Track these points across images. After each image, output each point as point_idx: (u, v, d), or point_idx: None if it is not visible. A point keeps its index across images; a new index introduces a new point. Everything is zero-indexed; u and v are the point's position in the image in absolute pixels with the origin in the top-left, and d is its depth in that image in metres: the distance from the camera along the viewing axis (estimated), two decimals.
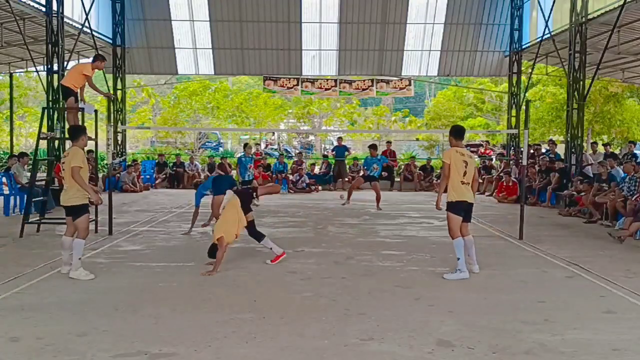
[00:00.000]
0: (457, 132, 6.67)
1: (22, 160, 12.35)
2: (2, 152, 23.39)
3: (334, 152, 19.70)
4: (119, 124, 18.81)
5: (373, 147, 14.02)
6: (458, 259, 6.31)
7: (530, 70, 19.45)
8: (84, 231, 6.21)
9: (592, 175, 13.15)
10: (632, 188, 10.18)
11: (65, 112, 9.82)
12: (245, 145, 15.56)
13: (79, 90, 9.20)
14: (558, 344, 4.25)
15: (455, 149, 6.53)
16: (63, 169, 6.32)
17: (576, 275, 6.57)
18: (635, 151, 15.61)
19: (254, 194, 9.57)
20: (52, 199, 10.29)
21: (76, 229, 6.22)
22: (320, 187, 17.92)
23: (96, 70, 9.21)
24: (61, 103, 14.25)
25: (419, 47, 20.75)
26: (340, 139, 20.46)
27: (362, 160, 16.92)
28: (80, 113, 9.30)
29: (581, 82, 14.32)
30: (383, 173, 18.50)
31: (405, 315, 4.93)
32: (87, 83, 9.03)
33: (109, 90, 18.43)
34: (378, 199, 13.11)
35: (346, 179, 18.40)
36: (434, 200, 14.78)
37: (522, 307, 5.22)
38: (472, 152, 28.17)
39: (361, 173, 14.92)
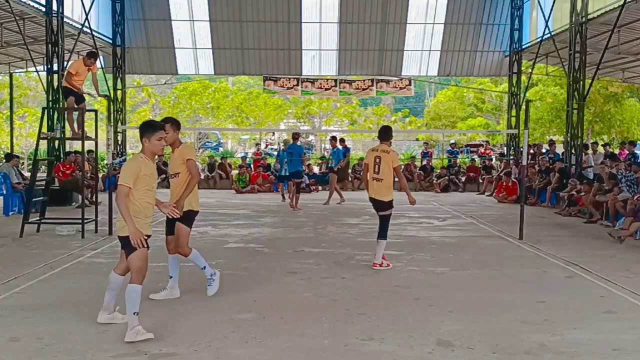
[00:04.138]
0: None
1: (12, 161, 12.37)
2: (2, 152, 23.40)
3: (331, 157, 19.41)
4: (119, 124, 18.81)
5: (333, 138, 14.53)
6: (171, 277, 5.37)
7: (530, 70, 19.46)
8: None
9: (591, 177, 13.17)
10: (623, 187, 10.32)
11: (66, 112, 9.84)
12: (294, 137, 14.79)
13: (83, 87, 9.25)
14: (558, 344, 4.25)
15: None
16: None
17: (576, 275, 6.56)
18: (635, 151, 15.60)
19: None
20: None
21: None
22: (320, 187, 17.90)
23: (85, 66, 9.19)
24: (61, 103, 14.31)
25: (419, 47, 20.75)
26: (333, 138, 19.06)
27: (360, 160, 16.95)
28: (81, 113, 9.30)
29: (581, 82, 14.33)
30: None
31: (405, 315, 4.93)
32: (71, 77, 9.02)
33: (108, 90, 18.44)
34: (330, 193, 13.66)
35: (348, 179, 18.36)
36: (434, 200, 14.72)
37: (522, 307, 5.21)
38: (472, 151, 28.10)
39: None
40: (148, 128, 4.39)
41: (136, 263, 4.26)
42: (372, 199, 6.83)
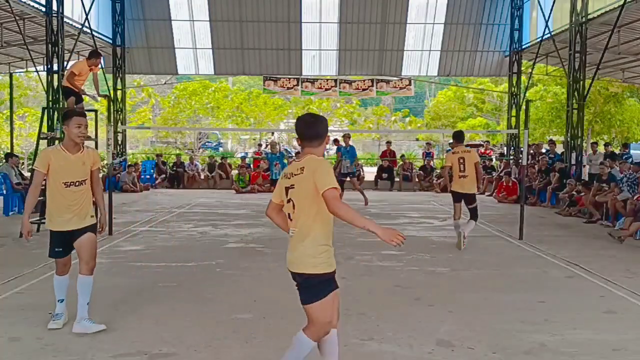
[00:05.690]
0: None
1: (11, 161, 12.37)
2: (2, 152, 23.40)
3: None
4: (119, 124, 18.81)
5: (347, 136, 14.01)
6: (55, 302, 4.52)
7: (530, 70, 19.47)
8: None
9: (584, 179, 13.22)
10: (623, 187, 10.39)
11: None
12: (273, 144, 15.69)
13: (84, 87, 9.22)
14: (558, 344, 4.25)
15: None
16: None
17: (576, 275, 6.56)
18: (631, 152, 15.58)
19: None
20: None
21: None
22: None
23: (88, 66, 9.06)
24: (61, 103, 14.31)
25: (419, 47, 20.76)
26: (337, 140, 19.41)
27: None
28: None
29: (581, 82, 14.33)
30: (383, 174, 18.44)
31: (405, 315, 4.93)
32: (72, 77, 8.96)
33: (108, 90, 18.44)
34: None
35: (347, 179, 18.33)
36: (434, 200, 14.68)
37: (522, 307, 5.21)
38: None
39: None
40: (322, 125, 3.22)
41: (320, 316, 3.17)
42: (457, 193, 8.06)
